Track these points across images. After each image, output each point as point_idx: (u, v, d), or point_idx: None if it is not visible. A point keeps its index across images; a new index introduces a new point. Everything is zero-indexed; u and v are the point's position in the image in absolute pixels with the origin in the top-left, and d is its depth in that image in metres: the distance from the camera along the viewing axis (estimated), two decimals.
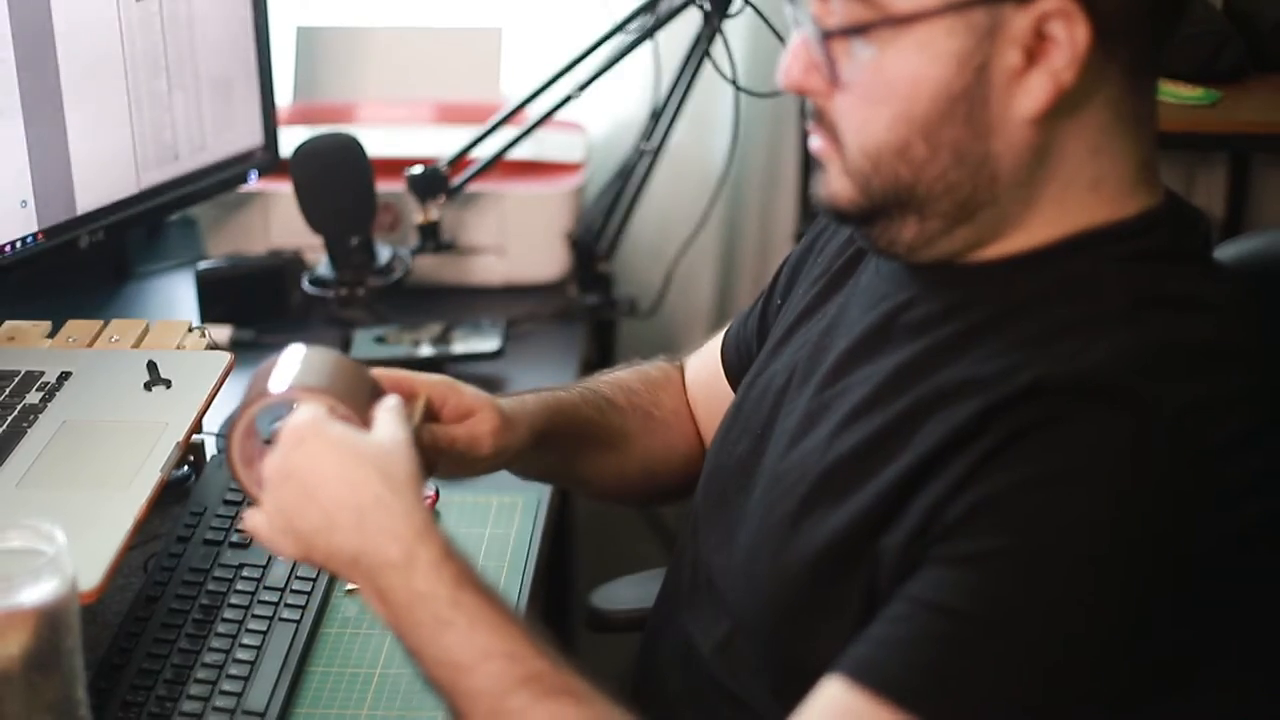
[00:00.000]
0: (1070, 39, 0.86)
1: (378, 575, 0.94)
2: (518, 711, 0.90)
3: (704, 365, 1.32)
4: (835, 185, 0.95)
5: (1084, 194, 0.92)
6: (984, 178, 0.91)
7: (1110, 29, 0.87)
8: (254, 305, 1.79)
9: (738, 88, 1.79)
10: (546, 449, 1.21)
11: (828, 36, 0.90)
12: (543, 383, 1.67)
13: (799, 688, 0.97)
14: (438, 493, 1.38)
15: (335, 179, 1.59)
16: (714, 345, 1.31)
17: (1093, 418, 0.83)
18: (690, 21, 1.80)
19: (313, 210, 1.59)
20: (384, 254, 1.64)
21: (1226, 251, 1.15)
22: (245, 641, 1.15)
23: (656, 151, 1.87)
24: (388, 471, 0.95)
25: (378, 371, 1.07)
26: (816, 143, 0.96)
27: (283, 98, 1.88)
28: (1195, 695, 0.84)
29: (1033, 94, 0.88)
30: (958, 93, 0.88)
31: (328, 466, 0.95)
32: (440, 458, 1.12)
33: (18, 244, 1.44)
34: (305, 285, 1.65)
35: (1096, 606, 0.82)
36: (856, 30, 0.89)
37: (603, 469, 1.28)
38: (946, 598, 0.84)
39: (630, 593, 1.50)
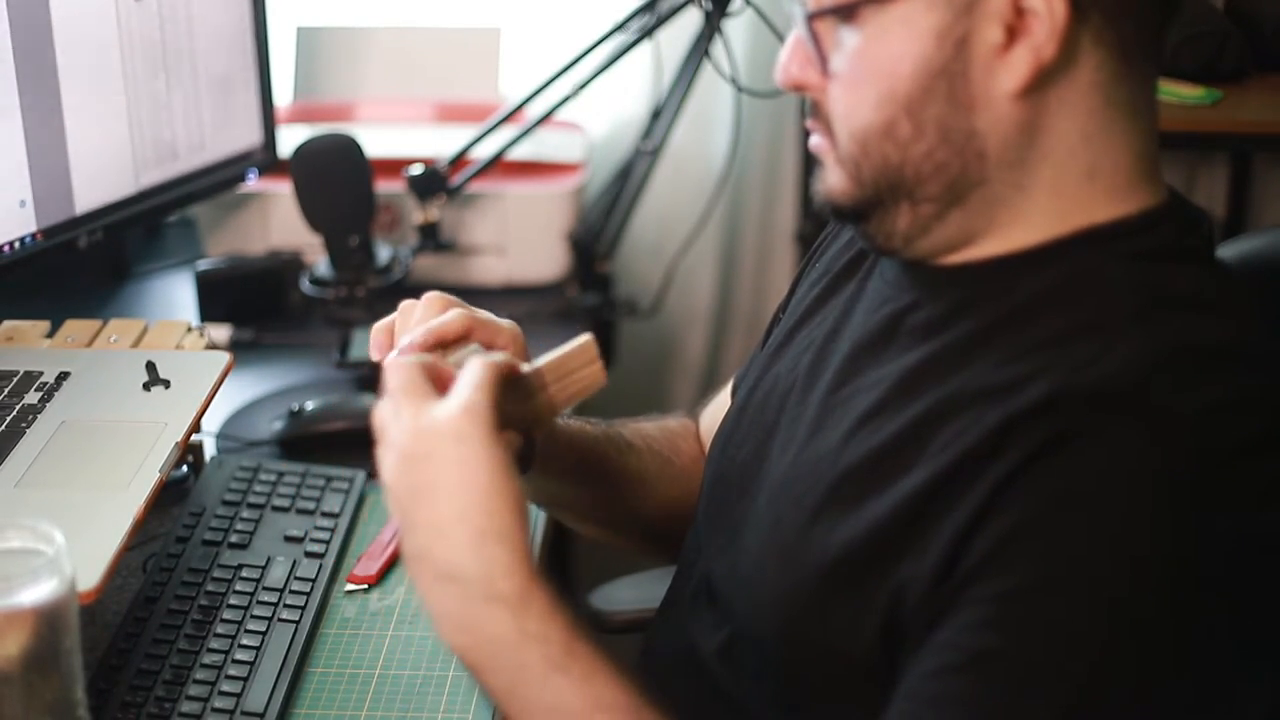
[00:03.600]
0: (1049, 11, 0.86)
1: (481, 604, 0.89)
2: None
3: (717, 410, 1.30)
4: (831, 179, 0.96)
5: (1080, 184, 0.91)
6: (971, 155, 0.91)
7: (1094, 5, 0.87)
8: (253, 305, 1.79)
9: (738, 88, 1.79)
10: (567, 477, 1.18)
11: (813, 17, 0.92)
12: None
13: (800, 695, 0.97)
14: None
15: (335, 179, 1.59)
16: (725, 391, 1.30)
17: (1111, 431, 0.83)
18: (690, 21, 1.80)
19: (312, 210, 1.59)
20: (384, 254, 1.64)
21: (1228, 251, 1.15)
22: (244, 642, 1.15)
23: (656, 151, 1.87)
24: (519, 512, 0.90)
25: (472, 318, 1.04)
26: (815, 139, 0.96)
27: (282, 97, 1.88)
28: (1244, 701, 0.83)
29: (1015, 69, 0.88)
30: (938, 68, 0.89)
31: (473, 472, 0.89)
32: None
33: (16, 244, 1.44)
34: (304, 285, 1.64)
35: (1141, 625, 0.81)
36: (842, 10, 0.90)
37: (621, 510, 1.25)
38: (991, 642, 0.83)
39: (630, 594, 1.49)
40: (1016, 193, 0.92)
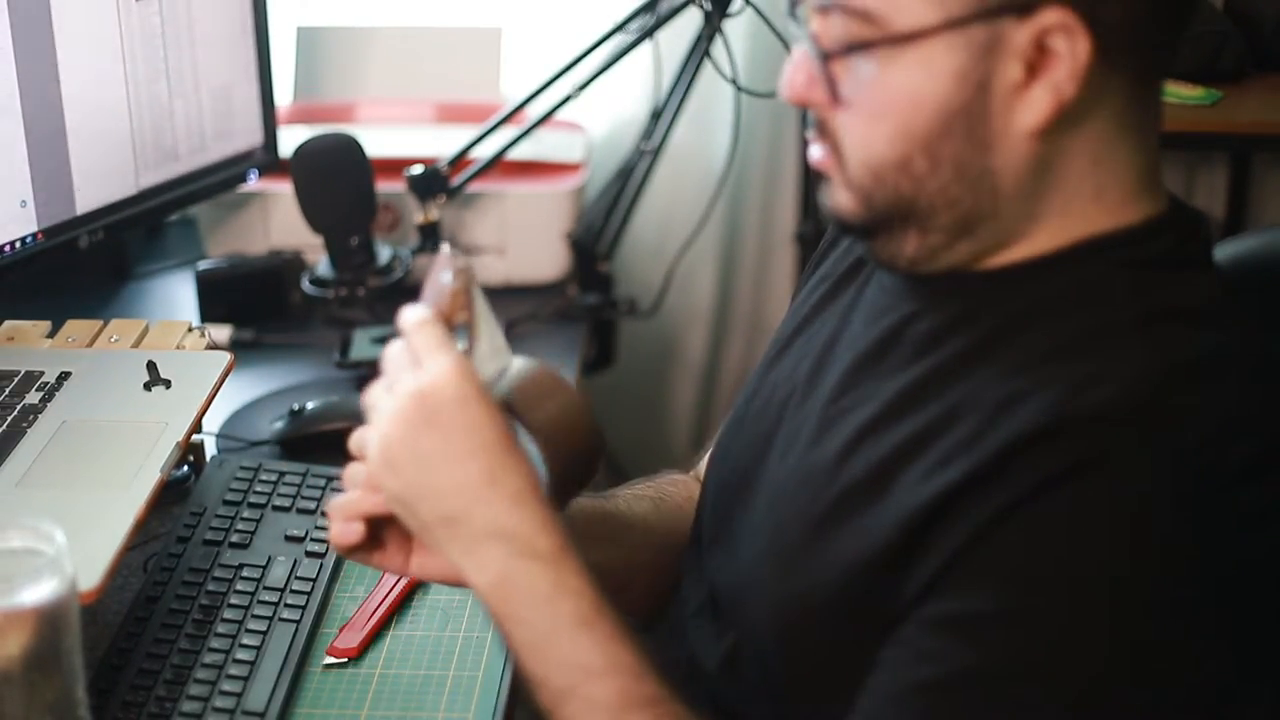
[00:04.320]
0: (1072, 52, 0.85)
1: (522, 559, 0.92)
2: None
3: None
4: (839, 197, 0.94)
5: (1087, 204, 0.91)
6: (984, 191, 0.90)
7: (1114, 41, 0.86)
8: (254, 305, 1.79)
9: (738, 88, 1.79)
10: None
11: (828, 57, 0.90)
12: None
13: (802, 707, 0.97)
14: None
15: (335, 179, 1.59)
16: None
17: (1115, 461, 0.83)
18: (690, 21, 1.80)
19: (313, 210, 1.59)
20: (384, 254, 1.64)
21: (1226, 251, 1.15)
22: (245, 641, 1.15)
23: (656, 151, 1.87)
24: (534, 471, 0.94)
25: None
26: (817, 154, 0.95)
27: (282, 97, 1.88)
28: None
29: (1034, 108, 0.87)
30: (957, 108, 0.88)
31: (489, 434, 0.93)
32: None
33: (17, 244, 1.44)
34: (305, 285, 1.65)
35: (1142, 655, 0.82)
36: (857, 48, 0.89)
37: (608, 560, 1.20)
38: (980, 660, 0.84)
39: None
40: (1026, 220, 0.92)
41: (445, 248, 1.01)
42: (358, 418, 1.47)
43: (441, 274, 0.99)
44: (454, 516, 0.93)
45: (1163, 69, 0.92)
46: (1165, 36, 0.90)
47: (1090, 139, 0.89)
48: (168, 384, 1.29)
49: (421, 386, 0.93)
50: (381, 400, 0.96)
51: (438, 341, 0.95)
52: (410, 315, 0.97)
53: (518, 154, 1.79)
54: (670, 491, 1.26)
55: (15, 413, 1.25)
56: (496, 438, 0.93)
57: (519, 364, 1.00)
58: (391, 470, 0.95)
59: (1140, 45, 0.88)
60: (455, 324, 0.97)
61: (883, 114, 0.89)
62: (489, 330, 1.00)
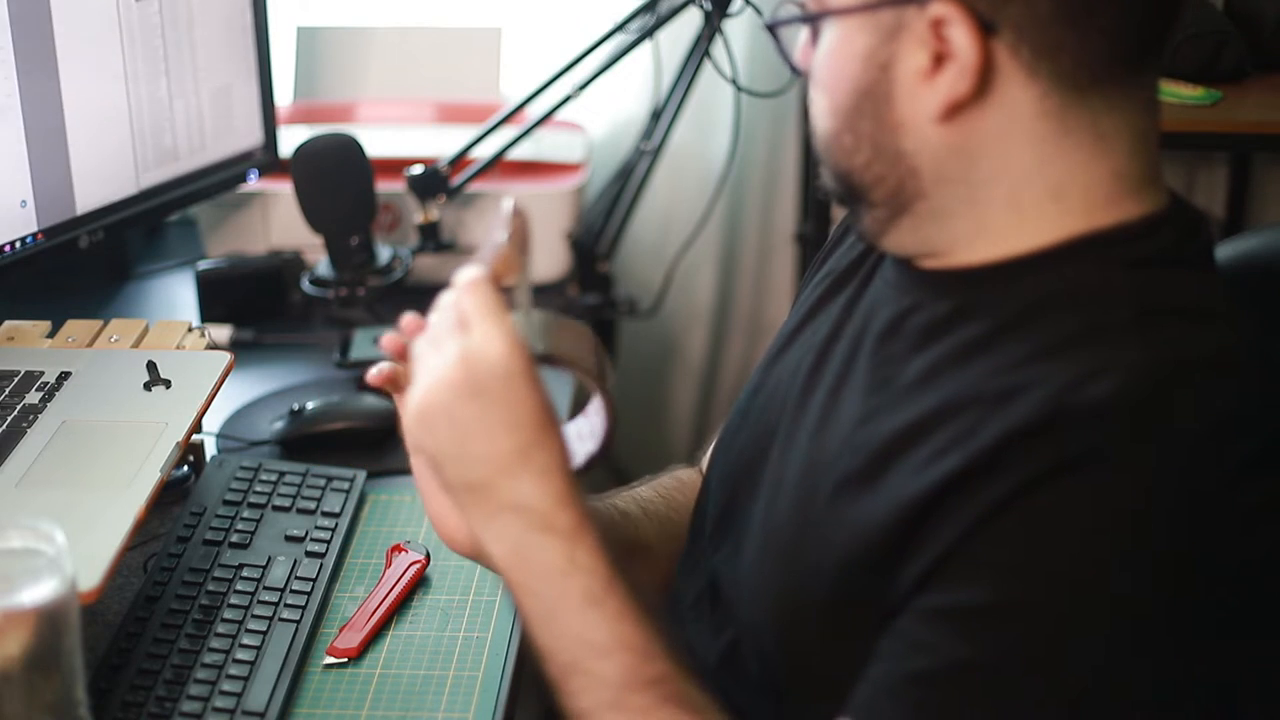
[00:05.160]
0: (965, 45, 0.87)
1: (538, 533, 0.93)
2: (639, 710, 0.92)
3: None
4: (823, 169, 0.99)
5: (1044, 202, 0.91)
6: (904, 172, 0.92)
7: (1021, 39, 0.87)
8: (254, 305, 1.79)
9: (738, 88, 1.79)
10: None
11: (772, 27, 0.96)
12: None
13: (802, 704, 0.97)
14: None
15: (335, 179, 1.59)
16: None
17: (1112, 456, 0.83)
18: (690, 21, 1.80)
19: (313, 210, 1.59)
20: (384, 254, 1.64)
21: (1226, 251, 1.15)
22: (245, 641, 1.15)
23: (656, 151, 1.87)
24: (565, 446, 0.94)
25: None
26: None
27: (282, 97, 1.88)
28: None
29: (937, 95, 0.89)
30: (865, 88, 0.91)
31: (529, 409, 0.92)
32: None
33: (17, 244, 1.45)
34: (305, 285, 1.65)
35: (1140, 650, 0.82)
36: (805, 20, 0.94)
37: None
38: (973, 654, 0.84)
39: None
40: (968, 207, 0.92)
41: (507, 202, 1.00)
42: (358, 418, 1.49)
43: (497, 230, 0.99)
44: (480, 485, 0.94)
45: (1110, 73, 0.89)
46: (1090, 44, 0.88)
47: (1022, 137, 0.89)
48: (168, 384, 1.29)
49: (469, 353, 0.92)
50: (427, 356, 0.95)
51: (490, 306, 0.93)
52: (464, 274, 0.95)
53: (518, 154, 1.79)
54: (674, 496, 1.26)
55: (15, 413, 1.25)
56: (536, 413, 0.92)
57: (539, 316, 0.99)
58: (427, 429, 0.94)
59: (1055, 51, 0.87)
60: (505, 285, 0.96)
61: (821, 86, 0.94)
62: (525, 286, 1.00)
